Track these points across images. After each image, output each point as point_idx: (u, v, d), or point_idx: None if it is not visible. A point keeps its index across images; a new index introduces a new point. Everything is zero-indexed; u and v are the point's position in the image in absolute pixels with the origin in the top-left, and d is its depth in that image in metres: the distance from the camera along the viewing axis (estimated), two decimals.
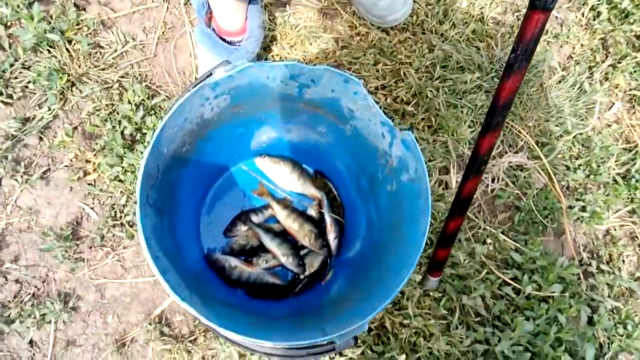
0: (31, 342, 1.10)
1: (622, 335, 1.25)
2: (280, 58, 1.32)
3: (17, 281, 1.12)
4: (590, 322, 1.25)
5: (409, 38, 1.38)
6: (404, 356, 1.15)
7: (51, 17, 1.24)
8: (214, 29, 1.19)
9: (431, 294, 1.21)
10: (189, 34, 1.32)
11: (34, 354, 1.10)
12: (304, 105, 0.97)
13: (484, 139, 0.89)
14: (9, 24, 1.23)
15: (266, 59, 1.33)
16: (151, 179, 0.80)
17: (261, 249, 1.16)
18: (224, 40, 1.18)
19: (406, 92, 1.32)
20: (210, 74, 0.82)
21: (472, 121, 1.32)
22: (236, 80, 0.85)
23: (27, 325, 1.08)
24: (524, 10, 1.40)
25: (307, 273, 1.15)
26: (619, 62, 1.47)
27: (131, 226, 1.17)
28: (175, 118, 0.80)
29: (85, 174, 1.19)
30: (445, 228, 1.10)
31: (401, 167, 0.89)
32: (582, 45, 1.49)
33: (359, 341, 1.17)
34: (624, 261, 1.34)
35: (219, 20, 1.17)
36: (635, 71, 1.46)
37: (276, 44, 1.34)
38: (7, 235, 1.14)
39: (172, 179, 0.92)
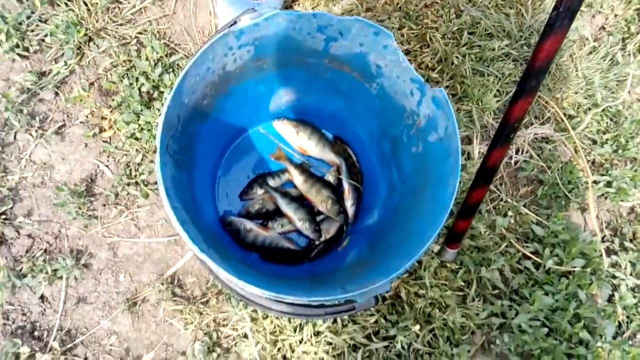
0: (42, 297, 1.09)
1: None
2: None
3: (29, 236, 1.11)
4: (610, 299, 1.22)
5: (436, 2, 1.33)
6: (418, 326, 1.14)
7: None
8: None
9: (448, 265, 1.19)
10: None
11: (44, 309, 1.09)
12: (329, 61, 0.93)
13: (515, 105, 0.84)
14: None
15: None
16: (171, 129, 0.77)
17: (277, 213, 1.14)
18: None
19: (431, 58, 1.28)
20: (235, 22, 0.79)
21: (498, 90, 1.28)
22: (261, 30, 0.81)
23: (39, 280, 1.08)
24: None
25: (322, 239, 1.13)
26: None
27: (146, 185, 1.15)
28: (197, 66, 0.77)
29: (101, 130, 1.17)
30: (468, 198, 1.06)
31: (430, 126, 0.85)
32: (615, 15, 1.43)
33: (373, 310, 1.15)
34: None
35: None
36: None
37: (298, 4, 1.30)
38: (20, 190, 1.12)
39: (192, 132, 0.89)
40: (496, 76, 1.28)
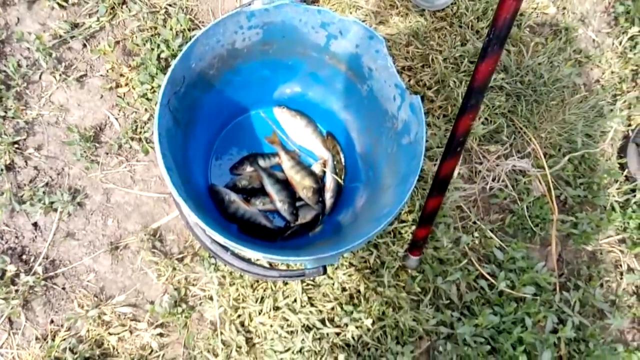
0: (35, 224, 1.19)
1: (582, 352, 1.28)
2: None
3: (35, 168, 1.21)
4: (555, 331, 1.29)
5: (445, 28, 1.43)
6: (370, 320, 1.21)
7: None
8: None
9: (409, 270, 1.27)
10: None
11: (35, 237, 1.19)
12: (329, 57, 1.03)
13: (460, 121, 0.92)
14: None
15: None
16: (175, 86, 0.87)
17: (261, 191, 1.22)
18: None
19: (430, 78, 1.37)
20: (250, 3, 0.89)
21: (486, 119, 1.37)
22: (271, 16, 0.91)
23: (36, 209, 1.18)
24: (562, 26, 1.44)
25: (298, 223, 1.21)
26: None
27: (148, 143, 1.25)
28: (208, 36, 0.87)
29: (117, 85, 1.28)
30: (425, 207, 1.14)
31: (404, 130, 0.94)
32: (612, 72, 1.52)
33: (332, 297, 1.23)
34: (602, 285, 1.37)
35: None
36: None
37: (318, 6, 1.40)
38: (35, 125, 1.23)
39: (194, 97, 0.99)
40: (487, 105, 1.37)
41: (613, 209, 1.40)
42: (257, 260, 0.96)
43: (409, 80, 1.37)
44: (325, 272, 0.83)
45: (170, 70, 0.83)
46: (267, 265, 0.91)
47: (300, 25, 0.95)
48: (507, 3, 0.74)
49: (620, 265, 1.39)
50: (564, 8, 1.54)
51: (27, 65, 1.24)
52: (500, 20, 0.75)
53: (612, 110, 1.47)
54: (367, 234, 0.85)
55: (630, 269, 1.39)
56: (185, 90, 0.93)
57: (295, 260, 0.81)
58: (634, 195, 1.40)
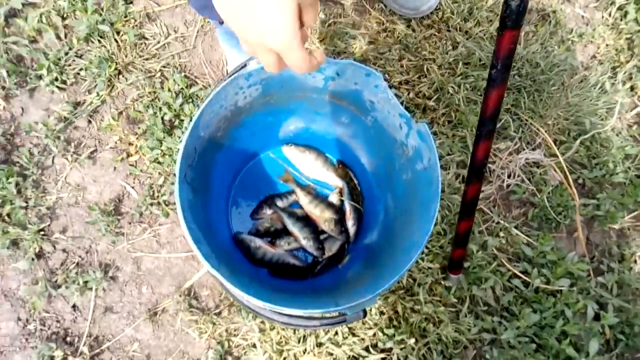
0: (74, 306, 1.22)
1: (628, 334, 1.28)
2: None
3: (64, 250, 1.24)
4: (597, 318, 1.29)
5: (434, 35, 1.44)
6: (413, 340, 1.22)
7: (102, 10, 1.36)
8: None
9: (442, 282, 1.27)
10: None
11: (76, 317, 1.22)
12: (329, 97, 1.05)
13: (478, 147, 0.93)
14: (65, 15, 1.35)
15: None
16: (189, 159, 0.89)
17: (284, 231, 1.23)
18: None
19: (428, 88, 1.38)
20: (245, 65, 0.91)
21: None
22: (268, 73, 0.93)
23: (72, 290, 1.20)
24: (549, 9, 1.44)
25: (325, 256, 1.22)
26: None
27: (167, 205, 1.27)
28: (212, 104, 0.89)
29: (128, 155, 1.30)
30: (457, 230, 1.15)
31: (416, 156, 0.96)
32: (607, 45, 1.51)
33: (372, 324, 1.25)
34: (635, 261, 1.37)
35: None
36: None
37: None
38: (57, 209, 1.26)
39: (207, 161, 1.01)
40: None
41: (632, 183, 1.40)
42: None
43: (408, 94, 1.38)
44: (365, 315, 0.84)
45: (182, 145, 0.85)
46: (307, 316, 0.93)
47: (298, 75, 0.96)
48: (506, 36, 0.75)
49: None
50: None
51: (38, 152, 1.28)
52: (503, 51, 0.76)
53: (614, 84, 1.47)
54: (399, 266, 0.86)
55: None
56: (198, 159, 0.95)
57: (335, 310, 0.82)
58: None
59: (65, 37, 1.34)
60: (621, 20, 1.53)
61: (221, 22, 1.26)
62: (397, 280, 0.84)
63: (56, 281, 1.21)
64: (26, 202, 1.23)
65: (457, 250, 1.18)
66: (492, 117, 0.85)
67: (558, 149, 1.38)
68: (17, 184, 1.23)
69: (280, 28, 0.53)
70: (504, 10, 0.73)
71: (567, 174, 1.36)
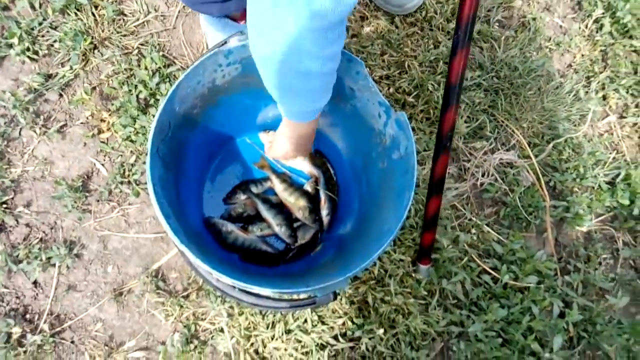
0: (35, 282, 1.18)
1: (590, 332, 1.31)
2: None
3: (27, 225, 1.20)
4: (562, 316, 1.32)
5: (417, 33, 1.45)
6: (382, 330, 1.22)
7: None
8: None
9: (413, 274, 1.28)
10: None
11: (37, 294, 1.18)
12: None
13: (444, 118, 0.96)
14: None
15: None
16: (162, 133, 0.87)
17: (257, 217, 1.22)
18: (229, 17, 1.24)
19: (408, 84, 1.39)
20: (225, 42, 0.89)
21: (468, 117, 1.39)
22: (248, 51, 0.92)
23: (34, 266, 1.16)
24: (530, 17, 1.47)
25: (298, 244, 1.21)
26: (617, 76, 1.53)
27: (138, 185, 1.24)
28: (189, 79, 0.88)
29: (99, 131, 1.27)
30: (426, 210, 1.16)
31: (393, 145, 0.96)
32: (582, 55, 1.55)
33: (341, 312, 1.24)
34: (600, 263, 1.40)
35: None
36: (630, 85, 1.53)
37: None
38: (22, 182, 1.22)
39: (181, 138, 0.99)
40: (467, 104, 1.39)
41: (601, 188, 1.43)
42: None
43: (388, 89, 1.39)
44: (335, 297, 0.84)
45: (155, 118, 0.83)
46: (277, 297, 0.92)
47: None
48: (467, 1, 0.78)
49: (616, 242, 1.42)
50: None
51: (5, 123, 1.23)
52: (464, 18, 0.80)
53: (587, 92, 1.50)
54: (371, 253, 0.86)
55: (625, 244, 1.42)
56: (172, 134, 0.93)
57: (305, 291, 0.81)
58: (620, 173, 1.44)
59: (40, 7, 1.30)
60: (597, 32, 1.58)
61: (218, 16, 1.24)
62: (368, 265, 0.84)
63: (17, 256, 1.16)
64: None
65: (427, 234, 1.19)
66: (457, 85, 0.89)
67: (532, 151, 1.40)
68: None
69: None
70: None
71: (540, 175, 1.39)
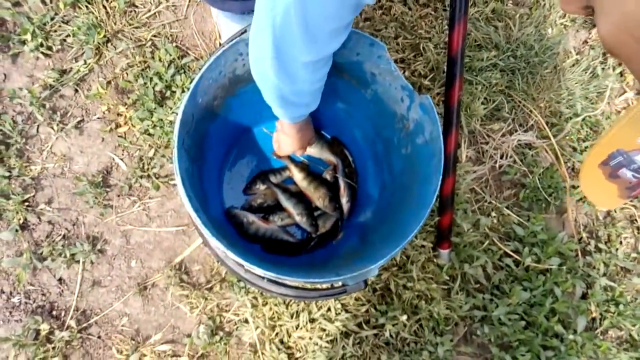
0: (60, 279, 1.18)
1: (613, 313, 1.31)
2: None
3: (49, 222, 1.20)
4: (585, 297, 1.32)
5: (430, 14, 1.42)
6: (405, 316, 1.23)
7: None
8: None
9: (435, 260, 1.28)
10: None
11: (62, 291, 1.18)
12: (330, 69, 1.03)
13: (450, 92, 0.96)
14: None
15: None
16: (187, 126, 0.86)
17: (277, 207, 1.22)
18: None
19: (424, 67, 1.37)
20: (245, 31, 0.88)
21: (485, 98, 1.37)
22: None
23: (58, 263, 1.17)
24: None
25: (319, 232, 1.21)
26: None
27: (157, 178, 1.24)
28: (211, 70, 0.87)
29: (117, 126, 1.26)
30: (441, 192, 1.15)
31: (417, 130, 0.95)
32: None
33: (364, 300, 1.25)
34: (621, 242, 1.40)
35: None
36: None
37: None
38: (42, 179, 1.22)
39: (203, 130, 0.98)
40: (484, 85, 1.38)
41: None
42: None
43: (404, 72, 1.37)
44: (366, 285, 0.84)
45: (180, 111, 0.82)
46: (307, 287, 0.92)
47: None
48: None
49: (636, 220, 1.42)
50: None
51: (22, 121, 1.22)
52: None
53: (604, 69, 1.48)
54: (400, 239, 0.85)
55: None
56: (195, 126, 0.92)
57: (337, 279, 0.81)
58: None
59: (51, 1, 1.28)
60: None
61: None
62: (399, 251, 0.83)
63: (42, 253, 1.17)
64: (9, 172, 1.18)
65: (444, 216, 1.19)
66: (459, 56, 0.89)
67: (550, 131, 1.39)
68: None
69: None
70: None
71: (559, 155, 1.38)
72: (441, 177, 0.85)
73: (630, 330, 1.31)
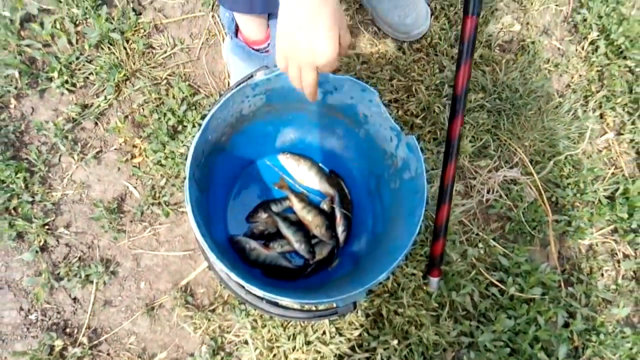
0: (75, 298, 1.27)
1: (595, 342, 1.38)
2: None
3: (67, 245, 1.30)
4: (567, 325, 1.38)
5: (423, 58, 1.55)
6: (396, 341, 1.30)
7: (113, 19, 1.44)
8: (242, 39, 1.36)
9: (424, 287, 1.36)
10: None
11: (76, 309, 1.27)
12: (326, 109, 1.14)
13: (452, 125, 1.07)
14: (78, 22, 1.43)
15: None
16: (197, 159, 0.97)
17: (278, 235, 1.31)
18: (251, 48, 1.35)
19: (416, 107, 1.49)
20: (252, 76, 1.00)
21: (472, 137, 1.48)
22: (272, 83, 1.02)
23: (73, 283, 1.26)
24: (529, 40, 1.57)
25: (316, 259, 1.30)
26: (613, 94, 1.62)
27: (167, 205, 1.34)
28: (221, 110, 0.98)
29: (132, 157, 1.37)
30: (436, 218, 1.25)
31: (404, 167, 1.05)
32: (580, 75, 1.64)
33: (357, 324, 1.32)
34: (602, 275, 1.47)
35: (245, 32, 1.33)
36: (625, 104, 1.61)
37: None
38: (62, 205, 1.32)
39: (211, 163, 1.09)
40: (471, 124, 1.48)
41: (601, 202, 1.51)
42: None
43: (397, 112, 1.49)
44: (355, 307, 0.92)
45: (192, 147, 0.93)
46: (301, 308, 1.00)
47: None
48: (468, 20, 0.88)
49: (616, 254, 1.50)
50: (527, 23, 1.67)
51: (46, 150, 1.34)
52: (466, 34, 0.90)
53: (585, 111, 1.59)
54: (387, 266, 0.94)
55: (625, 256, 1.50)
56: (204, 160, 1.02)
57: (327, 301, 0.90)
58: (619, 188, 1.52)
59: (77, 42, 1.42)
60: (593, 53, 1.67)
61: (236, 33, 1.35)
62: (384, 277, 0.92)
63: (59, 274, 1.26)
64: (33, 197, 1.29)
65: (436, 243, 1.27)
66: (463, 95, 0.99)
67: (534, 168, 1.49)
68: (24, 180, 1.29)
69: (330, 51, 0.74)
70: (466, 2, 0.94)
71: (542, 191, 1.47)
72: (423, 210, 0.95)
73: None
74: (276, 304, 0.98)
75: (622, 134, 1.62)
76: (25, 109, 1.37)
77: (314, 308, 1.09)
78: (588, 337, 1.38)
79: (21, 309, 1.24)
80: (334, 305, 0.95)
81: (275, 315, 0.99)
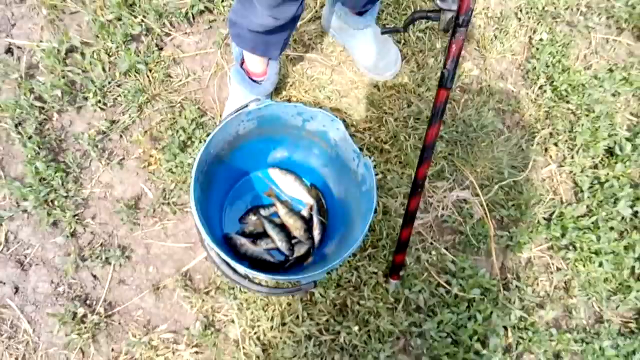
0: (95, 276, 1.56)
1: (525, 339, 1.64)
2: (296, 99, 1.81)
3: (92, 232, 1.59)
4: (501, 323, 1.65)
5: (394, 94, 1.86)
6: (357, 327, 1.57)
7: (140, 52, 1.76)
8: (245, 70, 1.67)
9: (383, 285, 1.63)
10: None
11: (95, 285, 1.55)
12: (305, 133, 1.44)
13: (420, 169, 1.32)
14: (111, 54, 1.75)
15: (289, 100, 1.82)
16: (201, 166, 1.27)
17: (264, 234, 1.59)
18: (250, 78, 1.67)
19: (385, 135, 1.79)
20: (247, 106, 1.30)
21: (431, 161, 1.77)
22: (262, 111, 1.33)
23: (95, 264, 1.55)
24: (485, 84, 1.88)
25: (294, 256, 1.58)
26: (556, 132, 1.91)
27: (175, 205, 1.64)
28: (222, 131, 1.28)
29: (148, 164, 1.68)
30: (400, 236, 1.52)
31: (362, 181, 1.34)
32: (530, 115, 1.94)
33: (325, 311, 1.59)
34: (537, 283, 1.74)
35: (249, 65, 1.65)
36: (566, 140, 1.91)
37: (295, 88, 1.83)
38: (89, 200, 1.62)
39: (212, 171, 1.39)
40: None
41: (539, 223, 1.79)
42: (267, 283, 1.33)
43: (370, 138, 1.79)
44: (315, 285, 1.21)
45: (198, 157, 1.23)
46: (274, 286, 1.28)
47: (283, 115, 1.36)
48: (441, 92, 1.14)
49: (550, 267, 1.77)
50: (486, 69, 1.98)
51: (80, 156, 1.65)
52: (438, 103, 1.16)
53: (531, 145, 1.89)
54: (343, 254, 1.23)
55: (558, 269, 1.77)
56: (207, 168, 1.32)
57: (293, 278, 1.19)
58: (554, 212, 1.80)
59: (110, 70, 1.74)
60: (540, 97, 1.97)
61: (241, 64, 1.67)
62: (340, 263, 1.21)
63: (84, 255, 1.55)
64: (67, 193, 1.59)
65: (398, 255, 1.54)
66: (430, 147, 1.23)
67: (482, 190, 1.78)
68: (61, 178, 1.60)
69: None
70: (441, 76, 1.13)
71: (487, 211, 1.76)
72: (372, 214, 1.24)
73: (539, 355, 1.63)
74: (255, 283, 1.26)
75: (563, 166, 1.90)
76: (65, 121, 1.68)
77: (283, 285, 1.36)
78: (520, 335, 1.64)
79: (52, 282, 1.53)
80: (300, 283, 1.23)
81: (254, 291, 1.28)
